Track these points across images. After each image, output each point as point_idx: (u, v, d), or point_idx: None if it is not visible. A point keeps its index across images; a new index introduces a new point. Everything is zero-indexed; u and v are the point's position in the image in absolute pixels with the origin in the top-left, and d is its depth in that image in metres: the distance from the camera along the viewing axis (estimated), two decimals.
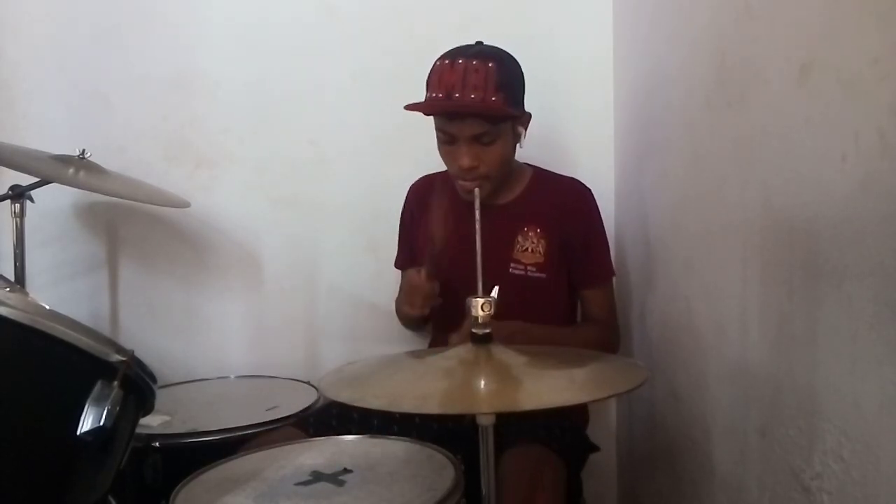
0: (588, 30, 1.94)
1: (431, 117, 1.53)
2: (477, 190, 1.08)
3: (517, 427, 1.37)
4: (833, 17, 0.88)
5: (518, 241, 1.56)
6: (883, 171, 0.78)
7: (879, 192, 0.79)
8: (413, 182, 1.76)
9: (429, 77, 1.49)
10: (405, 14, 1.94)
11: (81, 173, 1.61)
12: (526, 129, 1.56)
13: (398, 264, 1.79)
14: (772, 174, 1.04)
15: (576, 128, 1.96)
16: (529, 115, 1.56)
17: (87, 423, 0.96)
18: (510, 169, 1.57)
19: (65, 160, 1.61)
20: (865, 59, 0.80)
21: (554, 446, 1.36)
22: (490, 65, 1.45)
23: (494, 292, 1.05)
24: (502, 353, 1.03)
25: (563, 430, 1.44)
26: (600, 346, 1.56)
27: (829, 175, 0.88)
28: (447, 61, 1.46)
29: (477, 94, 1.43)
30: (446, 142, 1.50)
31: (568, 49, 1.94)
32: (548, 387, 0.99)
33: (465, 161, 1.47)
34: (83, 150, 1.62)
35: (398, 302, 1.73)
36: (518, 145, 1.55)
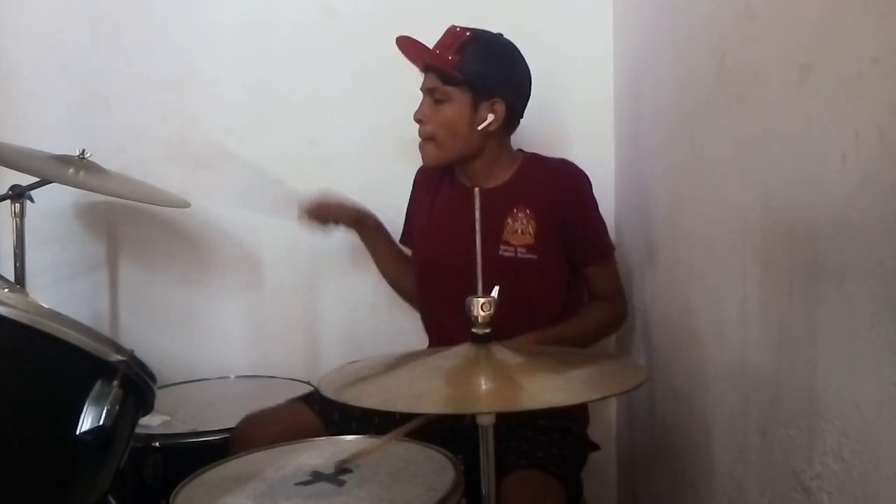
0: (588, 28, 1.94)
1: None
2: (477, 190, 1.08)
3: (516, 448, 1.38)
4: (833, 17, 0.88)
5: (507, 223, 1.55)
6: (883, 171, 0.78)
7: (879, 192, 0.79)
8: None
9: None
10: (405, 14, 1.94)
11: (81, 173, 1.61)
12: (498, 119, 1.53)
13: (402, 240, 1.81)
14: (772, 174, 1.04)
15: (576, 126, 1.96)
16: (505, 107, 1.54)
17: (86, 422, 0.96)
18: (463, 146, 1.55)
19: (65, 160, 1.61)
20: (865, 59, 0.80)
21: (554, 471, 1.35)
22: (468, 34, 1.53)
23: (495, 292, 1.05)
24: (502, 353, 1.03)
25: (563, 447, 1.44)
26: (609, 322, 1.65)
27: (829, 175, 0.88)
28: None
29: (438, 50, 1.53)
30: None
31: (568, 47, 1.94)
32: (547, 386, 0.99)
33: (416, 112, 1.56)
34: (83, 150, 1.62)
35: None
36: (482, 128, 1.52)
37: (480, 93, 1.52)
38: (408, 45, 1.56)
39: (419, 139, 1.57)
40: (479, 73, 1.52)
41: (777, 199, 1.03)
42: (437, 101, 1.54)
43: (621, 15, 1.90)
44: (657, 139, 1.61)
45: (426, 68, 1.57)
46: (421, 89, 1.58)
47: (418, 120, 1.56)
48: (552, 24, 1.93)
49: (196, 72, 1.97)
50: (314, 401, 1.50)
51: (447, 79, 1.52)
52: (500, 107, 1.54)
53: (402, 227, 1.80)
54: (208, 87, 1.97)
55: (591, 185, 1.60)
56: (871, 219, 0.80)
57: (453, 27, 1.55)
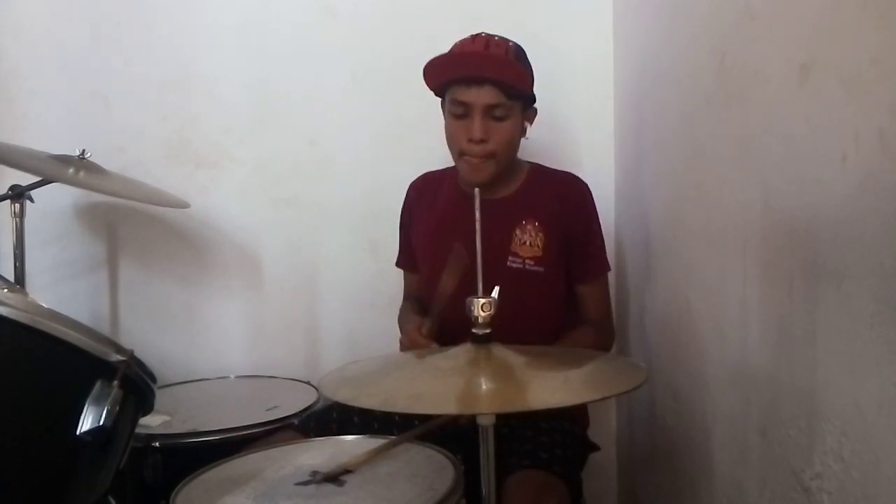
0: (588, 28, 1.95)
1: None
2: (477, 190, 1.08)
3: (518, 448, 1.37)
4: (833, 17, 0.88)
5: (516, 235, 1.55)
6: (883, 171, 0.78)
7: (879, 192, 0.79)
8: (414, 179, 1.74)
9: (449, 52, 1.50)
10: (405, 14, 1.94)
11: (81, 173, 1.61)
12: (530, 125, 1.57)
13: (399, 263, 1.78)
14: (772, 174, 1.04)
15: (576, 127, 1.97)
16: (535, 112, 1.57)
17: (86, 422, 0.96)
18: (513, 158, 1.57)
19: (65, 160, 1.61)
20: (865, 59, 0.80)
21: (558, 471, 1.35)
22: (510, 43, 1.50)
23: (495, 292, 1.05)
24: (502, 353, 1.03)
25: (565, 447, 1.43)
26: (593, 349, 1.56)
27: (829, 175, 0.88)
28: (467, 37, 1.50)
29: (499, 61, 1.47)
30: (459, 115, 1.48)
31: (568, 48, 1.94)
32: (547, 387, 0.99)
33: (478, 131, 1.45)
34: (83, 150, 1.62)
35: (400, 320, 1.69)
36: (523, 138, 1.56)
37: (528, 102, 1.53)
38: (474, 60, 1.45)
39: (472, 158, 1.48)
40: (532, 82, 1.52)
41: (777, 199, 1.03)
42: (498, 118, 1.46)
43: (621, 15, 1.90)
44: (657, 139, 1.61)
45: (482, 81, 1.44)
46: (458, 102, 1.47)
47: (480, 140, 1.46)
48: (552, 24, 1.93)
49: (196, 72, 1.97)
50: (309, 428, 1.44)
51: (512, 93, 1.46)
52: (533, 112, 1.56)
53: (400, 226, 1.76)
54: (208, 87, 1.97)
55: (593, 198, 1.61)
56: (871, 219, 0.80)
57: (489, 36, 1.48)
